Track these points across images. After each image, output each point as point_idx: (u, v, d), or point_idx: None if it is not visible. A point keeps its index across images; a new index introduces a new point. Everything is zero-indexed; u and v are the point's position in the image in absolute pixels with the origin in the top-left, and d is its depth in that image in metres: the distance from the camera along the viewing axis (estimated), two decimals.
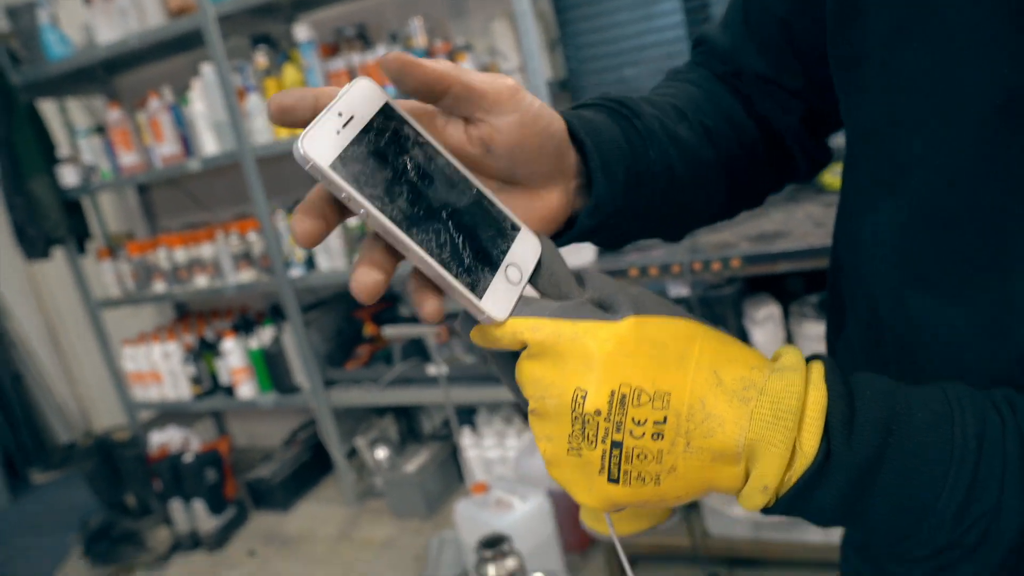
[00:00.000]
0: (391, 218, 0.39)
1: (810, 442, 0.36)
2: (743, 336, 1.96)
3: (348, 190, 0.38)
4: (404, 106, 0.43)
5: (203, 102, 2.71)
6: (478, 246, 0.42)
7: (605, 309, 0.41)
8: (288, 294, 2.72)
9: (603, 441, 0.36)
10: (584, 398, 0.36)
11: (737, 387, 0.37)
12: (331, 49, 2.59)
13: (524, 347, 0.40)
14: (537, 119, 0.43)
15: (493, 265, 0.43)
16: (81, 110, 3.47)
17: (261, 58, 2.58)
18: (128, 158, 2.91)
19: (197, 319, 3.34)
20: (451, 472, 2.89)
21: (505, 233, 0.44)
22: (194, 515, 2.81)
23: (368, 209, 0.38)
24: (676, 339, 0.39)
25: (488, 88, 0.42)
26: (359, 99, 0.40)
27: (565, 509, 2.29)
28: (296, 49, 2.54)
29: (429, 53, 2.34)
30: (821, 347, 0.68)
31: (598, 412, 0.36)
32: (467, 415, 2.91)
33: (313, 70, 2.49)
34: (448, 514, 2.74)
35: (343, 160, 0.38)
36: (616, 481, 0.37)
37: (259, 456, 3.43)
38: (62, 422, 4.07)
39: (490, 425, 2.76)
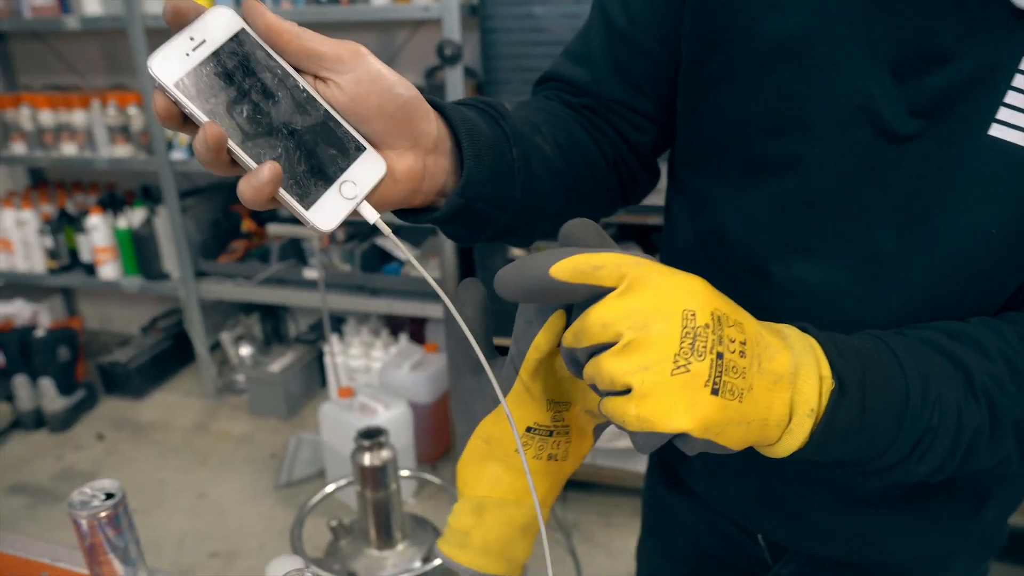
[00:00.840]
0: (229, 133, 0.45)
1: (826, 368, 0.44)
2: None
3: (189, 106, 0.44)
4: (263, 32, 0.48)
5: None
6: (315, 162, 0.48)
7: None
8: (167, 176, 2.61)
9: (711, 352, 0.39)
10: (694, 315, 0.40)
11: (773, 327, 0.46)
12: None
13: (595, 295, 0.41)
14: (377, 79, 0.48)
15: (328, 180, 0.48)
16: None
17: None
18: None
19: (57, 189, 3.13)
20: (314, 377, 2.93)
21: (347, 152, 0.49)
22: (40, 393, 2.71)
23: (204, 123, 0.44)
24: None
25: (327, 50, 0.48)
26: (213, 25, 0.46)
27: (423, 420, 2.40)
28: None
29: None
30: None
31: (707, 326, 0.40)
32: (335, 323, 2.94)
33: None
34: (307, 417, 2.80)
35: (188, 78, 0.44)
36: (716, 393, 0.40)
37: (112, 340, 3.31)
38: None
39: (358, 335, 2.81)
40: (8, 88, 3.17)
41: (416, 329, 2.82)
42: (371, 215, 0.50)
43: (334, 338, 2.75)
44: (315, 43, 0.47)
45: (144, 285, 2.81)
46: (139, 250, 2.80)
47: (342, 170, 0.48)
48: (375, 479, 1.16)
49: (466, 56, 2.21)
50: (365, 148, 0.50)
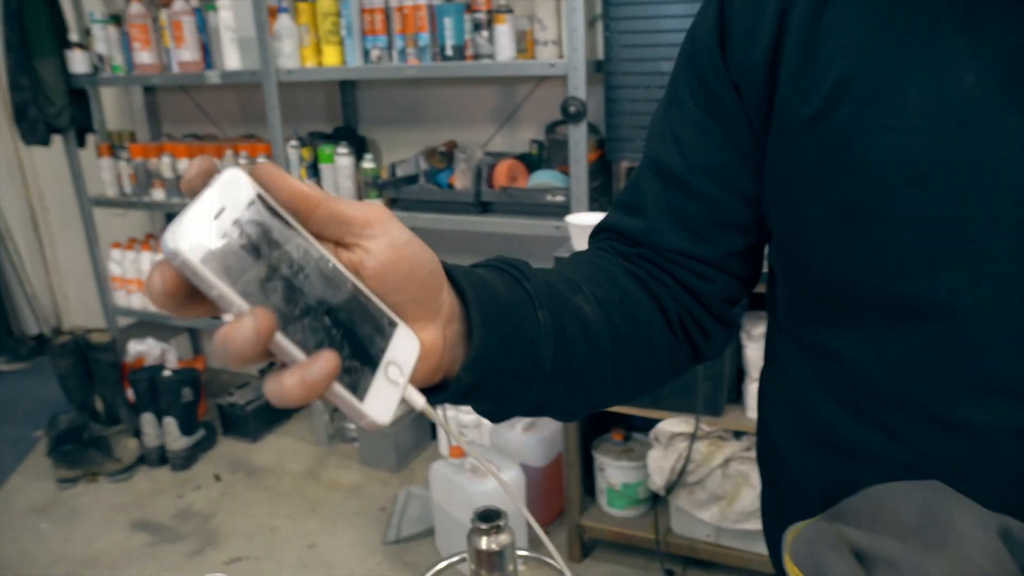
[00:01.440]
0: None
1: None
2: (737, 350, 1.98)
3: (220, 287, 0.35)
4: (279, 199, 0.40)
5: (231, 13, 2.60)
6: (356, 344, 0.40)
7: None
8: None
9: None
10: None
11: None
12: None
13: None
14: (407, 244, 0.42)
15: (373, 364, 0.40)
16: None
17: None
18: (144, 56, 2.81)
19: None
20: (423, 429, 2.90)
21: (383, 330, 0.42)
22: (165, 432, 2.79)
23: (240, 307, 0.35)
24: None
25: (356, 214, 0.41)
26: (230, 190, 0.38)
27: (535, 484, 2.31)
28: None
29: (470, 7, 2.27)
30: None
31: None
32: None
33: (348, 2, 2.40)
34: (416, 469, 2.76)
35: (215, 255, 0.35)
36: None
37: (232, 379, 3.40)
38: (33, 313, 3.99)
39: None
40: (153, 137, 3.36)
41: None
42: (418, 399, 0.43)
43: None
44: (342, 206, 0.41)
45: None
46: None
47: (382, 351, 0.41)
48: (491, 562, 1.09)
49: (589, 112, 2.15)
50: (397, 324, 0.43)
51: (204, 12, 2.71)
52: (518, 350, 0.48)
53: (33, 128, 2.90)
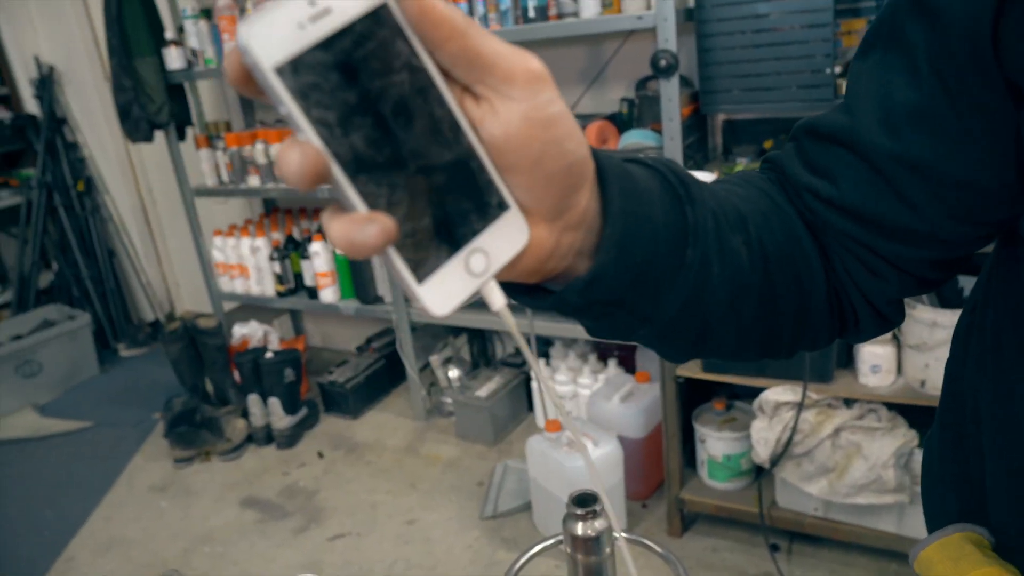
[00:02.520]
0: (336, 155, 0.30)
1: None
2: None
3: (289, 105, 0.29)
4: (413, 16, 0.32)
5: None
6: (442, 217, 0.33)
7: None
8: None
9: None
10: None
11: None
12: None
13: None
14: (548, 124, 0.34)
15: (455, 244, 0.34)
16: None
17: None
18: (233, 45, 2.86)
19: (285, 215, 3.35)
20: (520, 401, 2.88)
21: (487, 210, 0.35)
22: (270, 411, 2.88)
23: (308, 136, 0.30)
24: None
25: (499, 61, 0.33)
26: None
27: (633, 456, 2.25)
28: None
29: None
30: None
31: None
32: (542, 347, 2.87)
33: None
34: (512, 442, 2.74)
35: (296, 65, 0.29)
36: None
37: (332, 357, 3.49)
38: (148, 300, 4.21)
39: (564, 360, 2.71)
40: (247, 125, 3.45)
41: (625, 356, 2.67)
42: (497, 300, 0.36)
43: (541, 363, 2.67)
44: (484, 46, 0.32)
45: (360, 308, 2.90)
46: (355, 274, 2.90)
47: (475, 233, 0.34)
48: (587, 547, 1.04)
49: (680, 64, 2.03)
50: (509, 207, 0.35)
51: None
52: (647, 287, 0.41)
53: (136, 126, 3.03)
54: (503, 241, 0.35)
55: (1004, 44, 0.39)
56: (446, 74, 0.34)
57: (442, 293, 0.34)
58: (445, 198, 0.34)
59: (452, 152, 0.34)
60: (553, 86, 0.34)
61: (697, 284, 0.42)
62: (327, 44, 0.30)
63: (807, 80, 2.01)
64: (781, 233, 0.48)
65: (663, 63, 1.99)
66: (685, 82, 2.23)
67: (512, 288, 0.43)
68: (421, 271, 0.33)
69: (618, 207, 0.38)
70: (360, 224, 0.30)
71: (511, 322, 0.37)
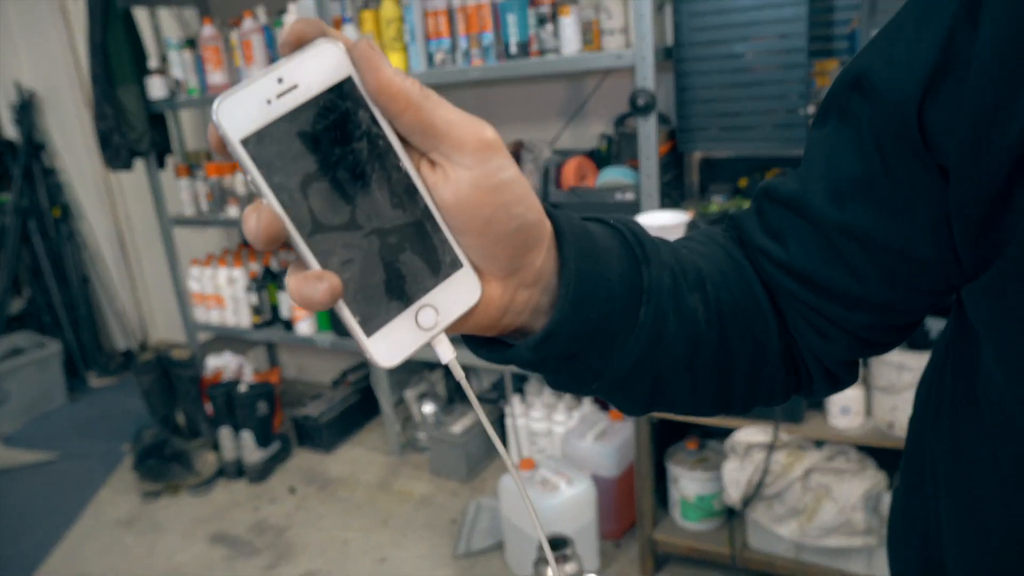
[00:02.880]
0: (293, 219, 0.33)
1: None
2: None
3: (252, 172, 0.32)
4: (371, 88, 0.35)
5: None
6: (394, 275, 0.35)
7: None
8: None
9: None
10: None
11: None
12: None
13: None
14: (498, 190, 0.35)
15: (405, 300, 0.36)
16: (171, 20, 3.45)
17: None
18: (217, 76, 2.88)
19: None
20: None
21: (438, 268, 0.36)
22: (241, 445, 2.84)
23: (269, 200, 0.32)
24: None
25: (451, 130, 0.35)
26: (314, 66, 0.33)
27: (607, 494, 2.23)
28: None
29: (533, 2, 2.22)
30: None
31: None
32: (517, 383, 2.86)
33: (412, 6, 2.39)
34: (487, 479, 2.72)
35: (261, 137, 0.32)
36: None
37: (307, 390, 3.45)
38: (121, 329, 4.16)
39: (539, 396, 2.70)
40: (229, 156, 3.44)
41: None
42: (446, 353, 0.38)
43: (515, 399, 2.66)
44: (437, 116, 0.34)
45: (335, 341, 2.89)
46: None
47: (425, 290, 0.36)
48: None
49: (658, 101, 2.06)
50: (461, 265, 0.37)
51: (272, 29, 2.76)
52: (601, 344, 0.42)
53: (116, 154, 3.02)
54: (454, 298, 0.37)
55: (929, 126, 0.40)
56: (404, 141, 0.36)
57: (390, 345, 0.35)
58: (398, 256, 0.35)
59: (407, 214, 0.35)
60: (505, 153, 0.36)
61: (650, 341, 0.43)
62: (291, 117, 0.33)
63: (782, 119, 2.05)
64: (738, 291, 0.49)
65: (641, 102, 2.02)
66: (663, 120, 2.27)
67: (471, 341, 0.44)
68: (370, 324, 0.35)
69: (573, 268, 0.39)
70: (311, 281, 0.33)
71: (460, 374, 0.39)
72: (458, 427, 2.74)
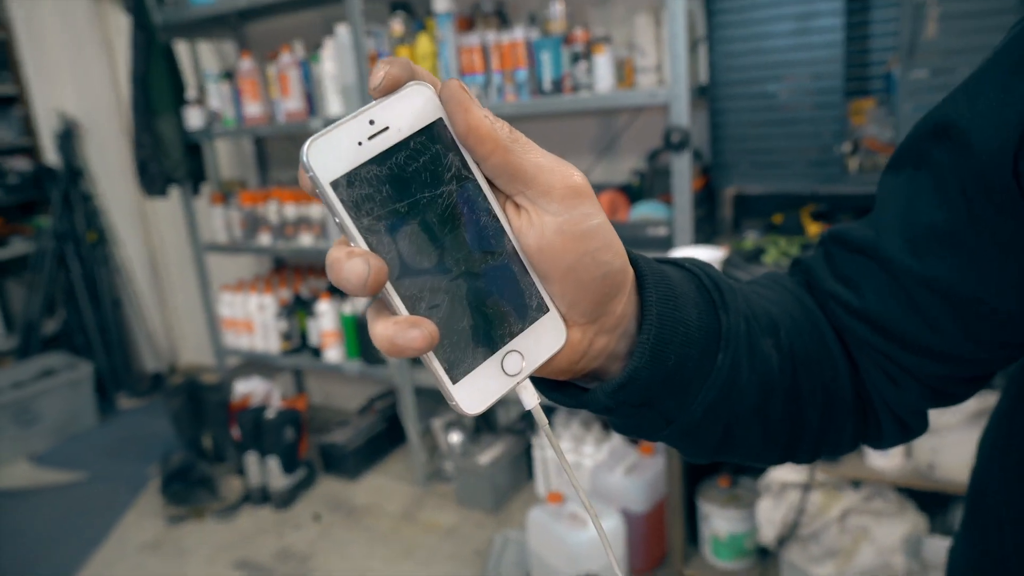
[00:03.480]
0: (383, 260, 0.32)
1: None
2: None
3: (342, 216, 0.32)
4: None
5: (333, 62, 2.69)
6: (481, 320, 0.35)
7: None
8: None
9: None
10: None
11: None
12: (467, 23, 2.53)
13: None
14: (585, 237, 0.35)
15: (491, 346, 0.35)
16: (210, 53, 3.53)
17: (397, 24, 2.55)
18: (253, 108, 2.94)
19: (294, 273, 3.37)
20: (522, 468, 2.84)
21: (525, 312, 0.36)
22: (267, 471, 2.84)
23: (358, 243, 0.32)
24: None
25: (539, 175, 0.34)
26: (406, 108, 0.33)
27: (637, 529, 2.20)
28: (432, 19, 2.49)
29: (567, 40, 2.25)
30: None
31: None
32: (546, 414, 2.84)
33: (447, 43, 2.43)
34: (513, 511, 2.69)
35: (352, 179, 0.32)
36: None
37: (333, 416, 3.46)
38: (151, 352, 4.20)
39: (568, 428, 2.69)
40: (262, 183, 3.51)
41: None
42: (530, 399, 0.37)
43: (543, 432, 2.64)
44: (525, 161, 0.34)
45: (363, 369, 2.90)
46: (361, 334, 2.90)
47: (511, 335, 0.36)
48: None
49: (692, 137, 2.07)
50: (548, 310, 0.37)
51: (308, 63, 2.82)
52: (676, 390, 0.41)
53: (153, 182, 3.08)
54: (539, 343, 0.37)
55: None
56: (492, 184, 0.36)
57: (476, 392, 0.35)
58: (485, 301, 0.35)
59: (495, 258, 0.35)
60: (593, 200, 0.36)
61: (725, 388, 0.43)
62: (382, 159, 0.32)
63: (816, 157, 2.05)
64: (810, 337, 0.48)
65: (675, 139, 2.03)
66: (696, 155, 2.27)
67: (540, 383, 0.44)
68: (457, 371, 0.34)
69: (655, 313, 0.39)
70: (404, 328, 0.32)
71: (543, 421, 0.38)
72: (485, 457, 2.72)
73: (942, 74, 1.76)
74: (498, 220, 0.35)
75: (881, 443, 0.54)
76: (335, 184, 0.31)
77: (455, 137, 0.34)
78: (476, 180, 0.35)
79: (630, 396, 0.40)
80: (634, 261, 0.40)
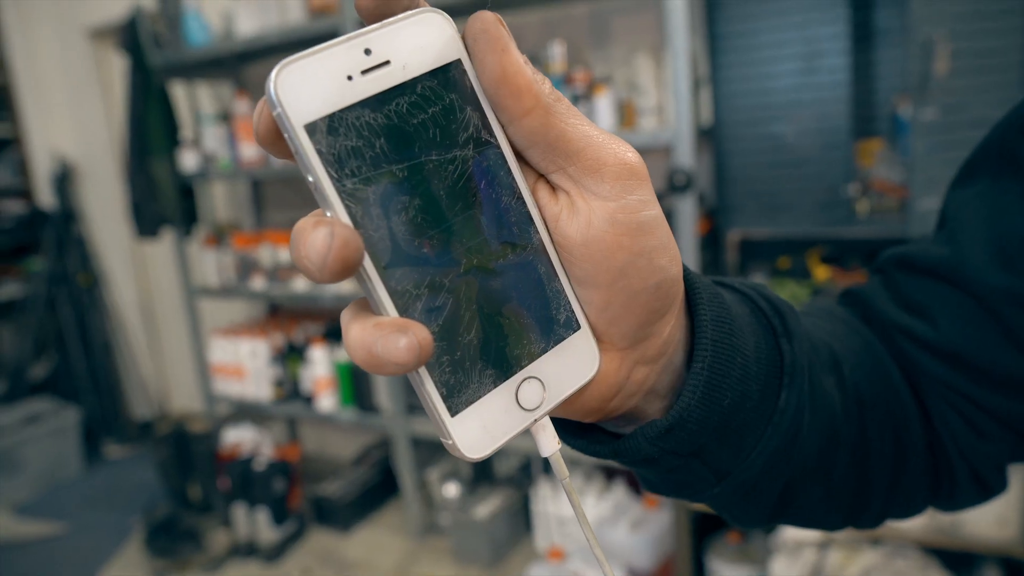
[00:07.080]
0: (366, 241, 0.23)
1: None
2: None
3: (317, 173, 0.22)
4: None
5: None
6: (493, 335, 0.26)
7: None
8: None
9: None
10: None
11: None
12: None
13: None
14: (640, 232, 0.27)
15: (504, 369, 0.26)
16: (206, 94, 3.51)
17: None
18: (249, 151, 2.89)
19: (288, 319, 3.29)
20: (520, 522, 2.72)
21: (550, 330, 0.27)
22: (255, 523, 2.73)
23: (336, 212, 0.23)
24: None
25: (588, 147, 0.26)
26: (414, 40, 0.24)
27: None
28: None
29: (568, 80, 2.21)
30: None
31: None
32: (545, 464, 2.74)
33: None
34: (511, 567, 2.57)
35: (334, 123, 0.22)
36: None
37: (327, 466, 3.35)
38: (142, 398, 4.11)
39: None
40: (257, 224, 3.45)
41: (633, 477, 2.54)
42: (550, 444, 0.28)
43: (543, 483, 2.54)
44: (572, 127, 0.26)
45: (357, 418, 2.80)
46: (355, 382, 2.81)
47: (531, 357, 0.27)
48: None
49: (696, 179, 2.02)
50: (579, 328, 0.28)
51: None
52: (731, 437, 0.33)
53: (145, 223, 3.02)
54: (566, 370, 0.28)
55: None
56: (520, 155, 0.27)
57: (480, 429, 0.26)
58: (501, 308, 0.26)
59: (517, 253, 0.26)
60: (649, 186, 0.27)
61: (789, 433, 0.34)
62: (377, 102, 0.24)
63: (823, 199, 1.99)
64: (876, 377, 0.40)
65: (679, 181, 1.97)
66: (700, 198, 2.22)
67: (558, 426, 0.34)
68: (457, 399, 0.26)
69: (709, 340, 0.30)
70: (387, 332, 0.23)
71: (563, 473, 0.29)
72: (483, 510, 2.61)
73: (954, 112, 1.72)
74: (524, 203, 0.27)
75: (954, 504, 0.46)
76: (311, 128, 0.22)
77: (479, 87, 0.26)
78: (500, 147, 0.26)
79: (678, 443, 0.31)
80: (686, 277, 0.32)
